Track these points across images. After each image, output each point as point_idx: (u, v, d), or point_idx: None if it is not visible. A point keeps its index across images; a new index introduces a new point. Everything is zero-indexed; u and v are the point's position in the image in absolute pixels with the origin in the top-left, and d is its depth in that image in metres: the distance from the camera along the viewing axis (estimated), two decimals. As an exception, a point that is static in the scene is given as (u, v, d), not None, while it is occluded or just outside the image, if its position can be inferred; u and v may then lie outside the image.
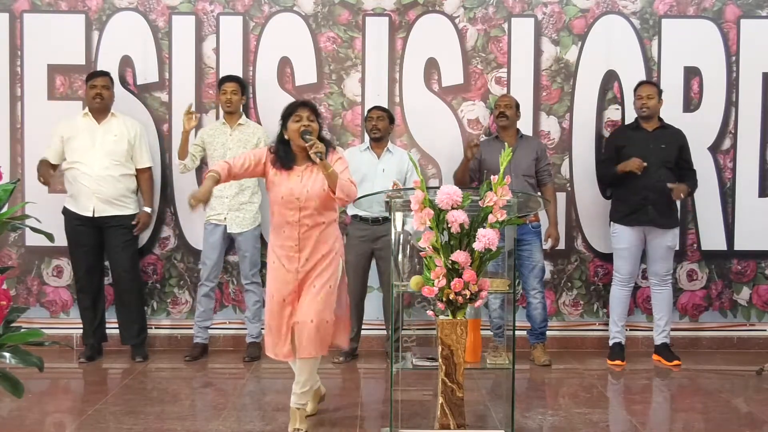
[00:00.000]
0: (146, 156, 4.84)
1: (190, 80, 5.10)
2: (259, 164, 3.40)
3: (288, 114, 3.39)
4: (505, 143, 4.65)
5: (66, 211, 4.75)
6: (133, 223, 4.77)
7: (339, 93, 5.10)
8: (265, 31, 5.11)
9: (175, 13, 5.10)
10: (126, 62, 5.07)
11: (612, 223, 4.85)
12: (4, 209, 2.20)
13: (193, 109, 4.62)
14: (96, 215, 4.67)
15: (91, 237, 4.75)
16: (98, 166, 4.66)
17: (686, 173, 4.77)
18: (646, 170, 4.61)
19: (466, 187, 3.97)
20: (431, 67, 5.14)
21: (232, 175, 3.38)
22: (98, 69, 4.93)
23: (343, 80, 5.13)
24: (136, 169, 4.82)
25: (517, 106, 4.85)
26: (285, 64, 5.12)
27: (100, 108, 4.76)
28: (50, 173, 4.75)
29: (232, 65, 5.05)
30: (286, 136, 3.38)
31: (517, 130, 4.86)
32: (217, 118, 5.05)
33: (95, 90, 4.73)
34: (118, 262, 4.80)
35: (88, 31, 5.08)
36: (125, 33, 5.08)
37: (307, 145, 3.23)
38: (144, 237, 5.05)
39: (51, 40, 5.06)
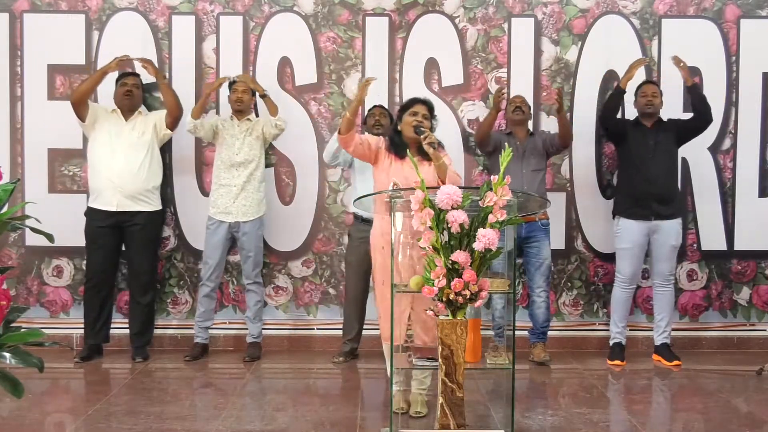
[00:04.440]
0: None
1: (190, 80, 5.09)
2: (371, 148, 3.62)
3: (405, 107, 3.66)
4: (517, 141, 4.73)
5: (89, 211, 4.76)
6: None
7: (339, 93, 5.10)
8: (265, 31, 5.11)
9: (175, 13, 5.10)
10: (126, 62, 5.06)
11: (617, 217, 4.84)
12: (4, 209, 2.20)
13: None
14: (118, 210, 4.67)
15: (109, 237, 4.74)
16: (122, 161, 4.67)
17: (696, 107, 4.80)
18: (647, 165, 4.64)
19: (465, 187, 3.98)
20: (431, 67, 5.14)
21: (354, 131, 3.57)
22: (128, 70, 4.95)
23: (343, 80, 5.13)
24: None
25: (529, 106, 4.94)
26: (285, 64, 5.12)
27: (129, 106, 4.78)
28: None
29: (232, 65, 5.05)
30: (399, 128, 3.64)
31: (528, 129, 4.90)
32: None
33: (125, 87, 4.76)
34: (137, 262, 4.80)
35: (88, 31, 5.08)
36: (125, 33, 5.07)
37: (421, 137, 3.48)
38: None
39: (51, 40, 5.06)
